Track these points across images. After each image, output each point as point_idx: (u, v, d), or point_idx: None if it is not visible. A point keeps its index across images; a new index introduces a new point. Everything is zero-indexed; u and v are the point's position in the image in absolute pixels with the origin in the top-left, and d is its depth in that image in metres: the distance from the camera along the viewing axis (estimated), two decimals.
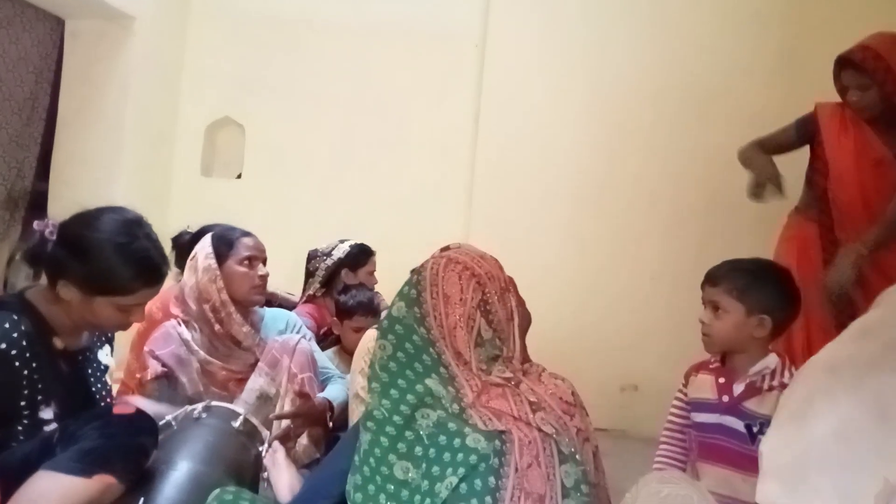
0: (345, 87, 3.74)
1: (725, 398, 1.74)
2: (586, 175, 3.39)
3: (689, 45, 3.29)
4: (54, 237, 1.51)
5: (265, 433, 1.86)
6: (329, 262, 2.87)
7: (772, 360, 1.73)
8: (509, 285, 1.54)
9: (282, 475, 1.63)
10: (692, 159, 3.10)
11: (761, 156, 2.52)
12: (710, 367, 1.85)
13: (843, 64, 2.33)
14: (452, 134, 3.59)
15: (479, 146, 3.52)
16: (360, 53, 3.72)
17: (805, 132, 2.51)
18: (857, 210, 2.35)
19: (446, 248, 1.68)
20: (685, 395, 1.87)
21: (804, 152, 2.55)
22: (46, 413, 1.50)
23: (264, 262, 2.27)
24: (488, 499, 1.28)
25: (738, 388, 1.73)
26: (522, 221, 3.43)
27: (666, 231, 3.29)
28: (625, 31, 3.36)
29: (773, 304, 1.72)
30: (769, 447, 1.16)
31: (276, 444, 1.76)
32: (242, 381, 2.16)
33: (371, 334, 2.00)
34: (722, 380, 1.78)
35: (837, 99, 2.45)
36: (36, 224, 1.52)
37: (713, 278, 1.78)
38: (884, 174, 2.31)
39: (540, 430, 1.34)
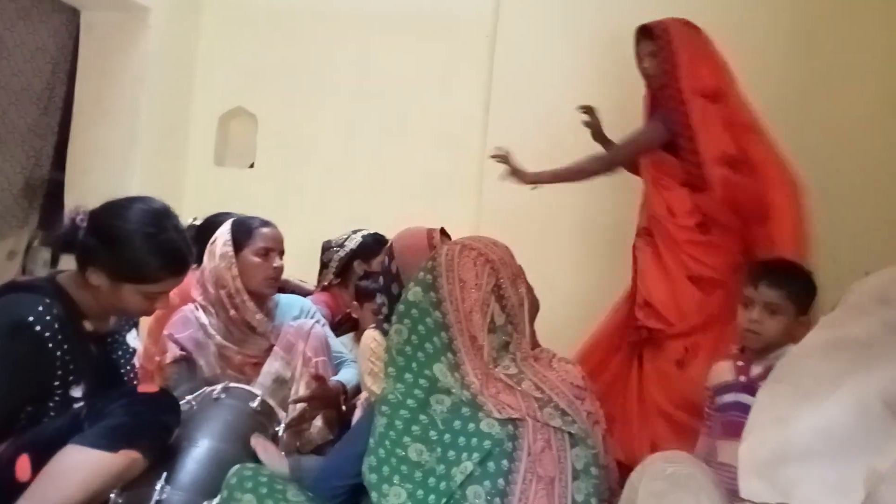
0: (356, 76, 3.77)
1: (743, 378, 1.86)
2: None
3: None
4: (85, 225, 1.56)
5: (281, 414, 1.92)
6: (342, 253, 2.91)
7: (789, 347, 1.79)
8: (520, 272, 1.59)
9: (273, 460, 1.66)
10: None
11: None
12: (731, 353, 1.96)
13: (644, 32, 2.61)
14: (463, 124, 3.62)
15: (490, 136, 3.55)
16: (372, 43, 3.75)
17: None
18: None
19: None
20: (708, 388, 1.96)
21: None
22: (76, 392, 1.56)
23: (281, 255, 2.31)
24: (501, 481, 1.32)
25: (756, 370, 1.84)
26: (533, 212, 3.45)
27: None
28: (637, 21, 3.38)
29: (809, 307, 1.86)
30: (746, 447, 1.19)
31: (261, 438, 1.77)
32: (258, 365, 2.22)
33: (370, 335, 2.04)
34: (740, 363, 1.90)
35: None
36: (67, 212, 1.58)
37: (775, 282, 1.84)
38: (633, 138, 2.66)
39: (548, 425, 1.38)
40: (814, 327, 1.32)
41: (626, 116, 3.38)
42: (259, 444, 1.67)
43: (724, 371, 1.92)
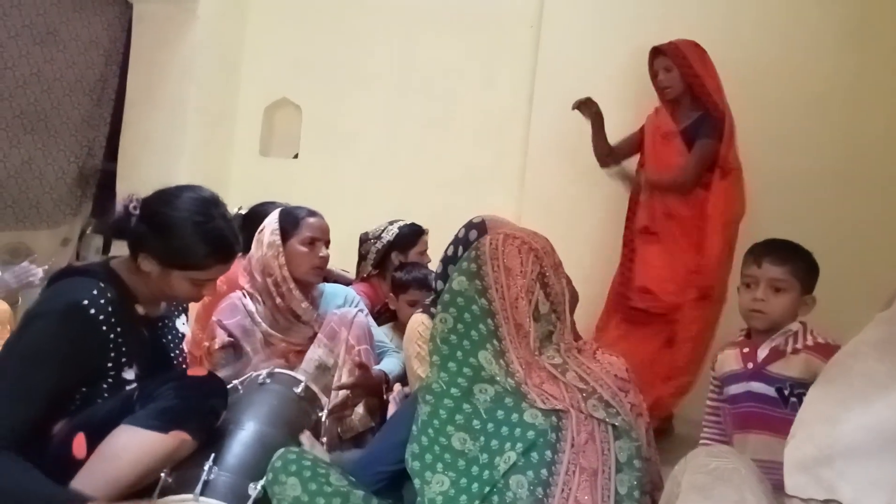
0: (399, 68, 3.79)
1: (750, 365, 1.81)
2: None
3: (747, 22, 3.22)
4: (137, 212, 1.61)
5: (325, 400, 1.94)
6: (379, 245, 2.92)
7: (794, 325, 1.80)
8: (560, 263, 1.58)
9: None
10: (749, 143, 3.04)
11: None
12: (735, 341, 1.91)
13: (654, 53, 2.98)
14: (506, 116, 3.61)
15: (533, 128, 3.53)
16: (415, 35, 3.76)
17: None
18: (654, 170, 2.97)
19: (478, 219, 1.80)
20: (714, 378, 1.93)
21: None
22: (129, 374, 1.60)
23: (327, 244, 2.34)
24: (544, 471, 1.32)
25: (763, 353, 1.79)
26: (575, 205, 3.43)
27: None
28: (682, 11, 3.31)
29: (814, 285, 1.84)
30: (793, 444, 1.17)
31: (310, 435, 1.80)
32: (301, 353, 2.26)
33: (418, 318, 2.05)
34: (746, 349, 1.84)
35: None
36: (121, 199, 1.63)
37: (779, 258, 1.81)
38: (667, 144, 2.93)
39: (591, 416, 1.38)
40: (869, 324, 1.29)
41: None
42: (307, 438, 1.70)
43: (729, 360, 1.87)
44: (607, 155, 3.08)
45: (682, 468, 1.30)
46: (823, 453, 1.12)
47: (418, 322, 2.03)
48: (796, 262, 1.81)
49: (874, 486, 1.06)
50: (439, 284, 1.94)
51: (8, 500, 1.43)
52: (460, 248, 1.90)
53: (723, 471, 1.24)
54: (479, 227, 1.90)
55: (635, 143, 3.10)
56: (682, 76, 2.89)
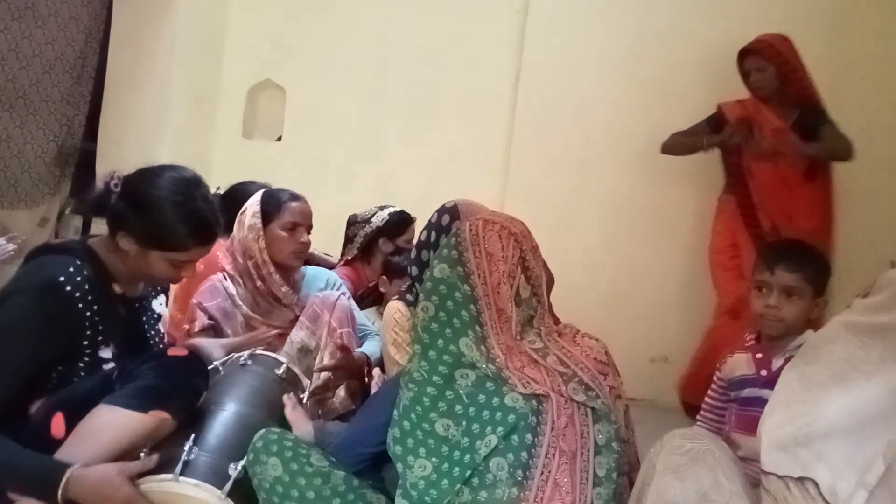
0: (384, 51, 3.77)
1: (764, 372, 1.80)
2: (627, 143, 3.39)
3: (735, 8, 3.24)
4: (118, 189, 1.59)
5: (306, 382, 1.95)
6: (368, 229, 2.91)
7: (808, 334, 1.77)
8: (538, 246, 1.59)
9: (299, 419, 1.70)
10: None
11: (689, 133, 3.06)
12: (746, 345, 1.90)
13: (745, 53, 2.93)
14: (491, 101, 3.61)
15: (518, 113, 3.54)
16: (400, 17, 3.74)
17: (715, 123, 3.04)
18: (772, 177, 2.93)
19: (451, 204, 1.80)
20: (720, 378, 1.92)
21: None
22: (106, 353, 1.60)
23: (309, 229, 2.32)
24: (524, 454, 1.34)
25: (777, 363, 1.77)
26: (560, 189, 3.45)
27: (702, 202, 3.27)
28: None
29: (825, 288, 1.83)
30: (771, 423, 1.19)
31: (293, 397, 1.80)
32: (283, 336, 2.25)
33: (393, 306, 2.05)
34: (759, 355, 1.84)
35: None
36: (102, 175, 1.61)
37: (792, 265, 1.80)
38: (783, 140, 2.88)
39: (572, 399, 1.39)
40: (845, 311, 1.32)
41: (658, 94, 3.35)
42: (289, 401, 1.70)
43: (741, 364, 1.86)
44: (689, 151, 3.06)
45: (658, 450, 1.32)
46: (802, 433, 1.14)
47: (394, 309, 2.03)
48: (809, 266, 1.81)
49: (848, 466, 1.09)
50: (413, 270, 1.95)
51: None
52: (433, 233, 1.90)
53: (697, 452, 1.26)
54: (451, 212, 1.90)
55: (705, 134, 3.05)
56: (778, 74, 2.87)
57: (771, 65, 2.87)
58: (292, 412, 1.68)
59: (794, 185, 2.89)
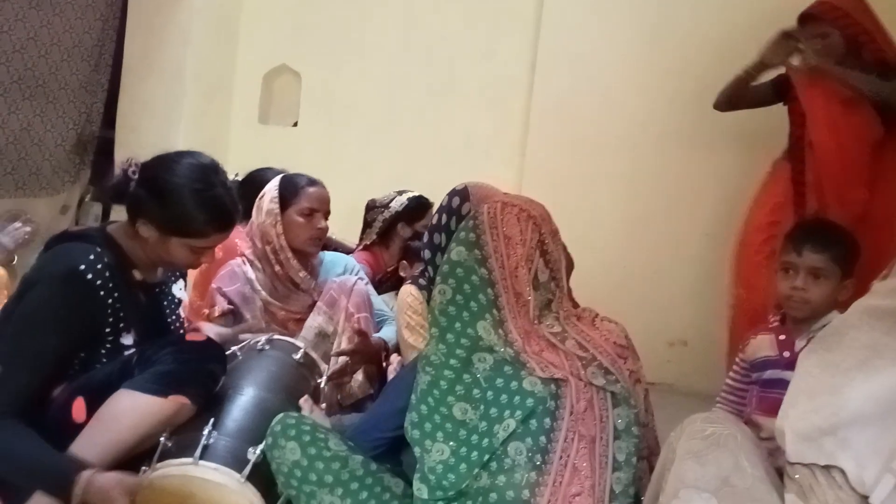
0: (400, 35, 3.74)
1: (787, 354, 1.78)
2: (644, 126, 3.34)
3: None
4: (136, 176, 1.59)
5: (324, 367, 1.95)
6: (386, 214, 2.91)
7: (833, 315, 1.75)
8: (557, 230, 1.57)
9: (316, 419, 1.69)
10: (755, 111, 3.01)
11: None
12: (770, 326, 1.89)
13: (804, 20, 2.55)
14: (508, 84, 3.57)
15: (535, 97, 3.50)
16: (416, 1, 3.71)
17: (780, 89, 2.69)
18: (831, 151, 2.51)
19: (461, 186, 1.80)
20: (742, 360, 1.91)
21: None
22: (127, 339, 1.61)
23: (326, 215, 2.32)
24: (542, 438, 1.33)
25: (801, 345, 1.75)
26: (577, 173, 3.41)
27: (724, 184, 3.23)
28: None
29: (853, 269, 1.79)
30: (797, 414, 1.18)
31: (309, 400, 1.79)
32: (301, 321, 2.26)
33: (406, 290, 2.05)
34: (782, 337, 1.82)
35: None
36: (120, 162, 1.61)
37: (819, 245, 1.77)
38: (854, 111, 2.47)
39: (591, 384, 1.38)
40: (866, 295, 1.29)
41: (679, 75, 3.30)
42: (306, 403, 1.71)
43: (764, 345, 1.85)
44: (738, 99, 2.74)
45: (678, 434, 1.30)
46: (828, 422, 1.13)
47: (407, 293, 2.04)
48: (837, 247, 1.78)
49: (874, 453, 1.08)
50: (426, 253, 1.94)
51: (10, 467, 1.44)
52: (444, 216, 1.87)
53: (718, 436, 1.24)
54: (461, 194, 1.88)
55: (767, 97, 2.72)
56: (845, 38, 2.48)
57: (835, 29, 2.48)
58: (309, 415, 1.69)
59: (855, 160, 2.50)
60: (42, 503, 1.41)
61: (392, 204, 2.91)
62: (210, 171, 1.64)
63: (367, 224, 2.99)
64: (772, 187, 2.71)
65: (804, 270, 1.77)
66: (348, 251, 2.89)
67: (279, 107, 4.04)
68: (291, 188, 2.29)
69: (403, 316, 2.03)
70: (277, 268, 2.25)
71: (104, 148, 3.82)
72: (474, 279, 1.44)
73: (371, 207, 2.98)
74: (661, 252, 3.37)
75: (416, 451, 1.38)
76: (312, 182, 2.33)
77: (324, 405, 1.85)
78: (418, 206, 2.90)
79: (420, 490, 1.33)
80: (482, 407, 1.38)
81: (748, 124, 3.02)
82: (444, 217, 1.88)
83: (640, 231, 3.38)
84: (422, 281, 1.99)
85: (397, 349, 2.24)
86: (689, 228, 3.34)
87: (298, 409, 1.66)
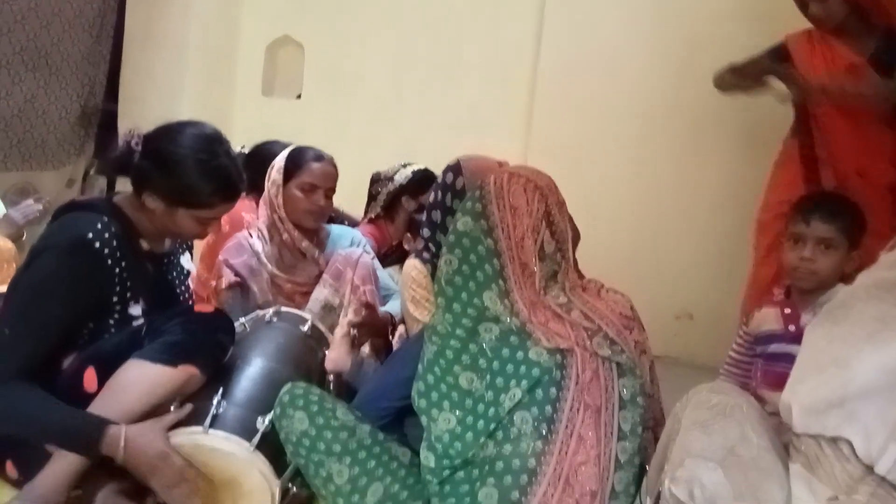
0: (404, 6, 3.69)
1: (792, 328, 1.78)
2: (652, 97, 3.30)
3: None
4: (139, 149, 1.59)
5: (331, 338, 1.96)
6: (391, 186, 2.90)
7: (838, 289, 1.74)
8: (564, 201, 1.57)
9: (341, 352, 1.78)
10: None
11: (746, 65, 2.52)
12: (774, 300, 1.88)
13: None
14: (513, 56, 3.53)
15: (541, 68, 3.46)
16: None
17: (777, 59, 2.54)
18: (837, 122, 2.42)
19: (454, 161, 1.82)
20: (746, 332, 1.90)
21: None
22: (135, 309, 1.62)
23: (328, 192, 2.28)
24: (548, 408, 1.34)
25: (807, 318, 1.75)
26: (583, 145, 3.39)
27: (730, 157, 3.20)
28: None
29: (860, 241, 1.79)
30: (806, 388, 1.18)
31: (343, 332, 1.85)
32: (307, 295, 2.26)
33: (410, 263, 2.05)
34: (788, 310, 1.82)
35: None
36: (122, 134, 1.61)
37: (828, 215, 1.77)
38: (859, 77, 2.35)
39: (596, 354, 1.39)
40: (872, 267, 1.29)
41: (688, 44, 3.25)
42: (341, 328, 1.80)
43: (769, 318, 1.85)
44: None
45: (684, 405, 1.31)
46: (836, 395, 1.13)
47: (412, 267, 2.04)
48: (845, 218, 1.78)
49: (881, 424, 1.08)
50: (425, 231, 1.95)
51: (30, 426, 1.47)
52: (439, 193, 1.90)
53: (724, 406, 1.25)
54: (454, 169, 1.90)
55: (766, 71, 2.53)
56: (847, 1, 2.33)
57: None
58: (341, 339, 1.71)
59: (871, 133, 2.38)
60: (58, 469, 1.43)
61: (396, 177, 2.89)
62: (214, 140, 1.64)
63: (372, 197, 2.97)
64: (783, 167, 2.63)
65: (812, 241, 1.76)
66: (355, 223, 2.89)
67: (282, 79, 4.01)
68: (297, 161, 2.28)
69: (408, 290, 2.04)
70: (285, 235, 2.26)
71: (107, 121, 3.81)
72: (480, 249, 1.45)
73: (375, 180, 2.96)
74: (668, 225, 3.36)
75: (423, 419, 1.39)
76: (319, 157, 2.29)
77: (331, 376, 1.85)
78: (422, 178, 2.89)
79: (427, 458, 1.35)
80: (488, 377, 1.39)
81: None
82: (439, 194, 1.90)
83: (647, 204, 3.37)
84: (425, 255, 2.00)
85: (403, 322, 2.25)
86: (697, 201, 3.32)
87: (306, 379, 1.68)
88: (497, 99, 3.57)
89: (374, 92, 3.76)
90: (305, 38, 3.86)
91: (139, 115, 3.51)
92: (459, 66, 3.62)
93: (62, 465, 1.43)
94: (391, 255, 2.77)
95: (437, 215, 1.90)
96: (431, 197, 1.95)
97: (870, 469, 1.09)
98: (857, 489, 1.10)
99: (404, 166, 2.93)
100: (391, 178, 2.89)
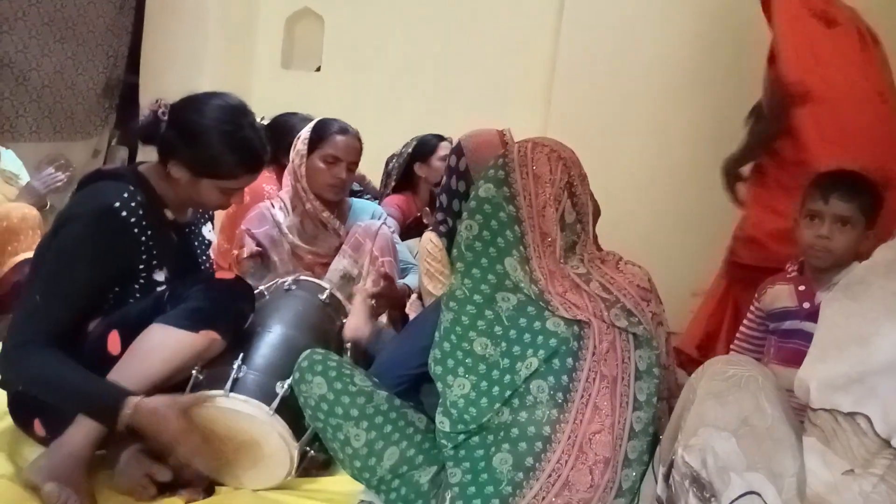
0: None
1: (807, 305, 1.78)
2: (673, 72, 3.27)
3: None
4: (166, 118, 1.61)
5: (349, 308, 1.99)
6: (401, 160, 2.93)
7: (854, 266, 1.72)
8: (586, 175, 1.57)
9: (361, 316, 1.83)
10: None
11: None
12: (788, 276, 1.87)
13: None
14: (533, 29, 3.50)
15: (562, 41, 3.43)
16: None
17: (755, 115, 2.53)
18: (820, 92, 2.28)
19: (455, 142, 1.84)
20: (759, 309, 1.90)
21: None
22: (159, 276, 1.65)
23: (351, 166, 2.30)
24: (564, 378, 1.35)
25: (822, 296, 1.74)
26: (603, 121, 3.36)
27: None
28: None
29: (876, 220, 1.77)
30: (825, 366, 1.17)
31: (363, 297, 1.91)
32: (327, 266, 2.29)
33: (427, 237, 2.06)
34: (802, 287, 1.81)
35: None
36: (149, 104, 1.62)
37: (847, 193, 1.75)
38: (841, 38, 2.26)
39: (614, 325, 1.39)
40: (890, 242, 1.27)
41: (708, 18, 3.20)
42: (361, 292, 1.86)
43: (782, 295, 1.84)
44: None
45: (700, 375, 1.32)
46: (856, 370, 1.13)
47: (427, 240, 2.06)
48: (864, 196, 1.76)
49: None
50: (439, 215, 1.97)
51: (55, 392, 1.50)
52: (445, 177, 1.95)
53: (739, 378, 1.25)
54: (455, 151, 1.95)
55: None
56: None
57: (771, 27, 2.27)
58: (360, 307, 1.76)
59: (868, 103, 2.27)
60: (83, 429, 1.46)
61: (404, 149, 2.94)
62: (239, 112, 1.65)
63: (388, 175, 3.01)
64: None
65: (830, 218, 1.75)
66: (378, 195, 2.91)
67: (302, 51, 4.00)
68: (321, 132, 2.29)
69: (424, 263, 2.06)
70: (308, 206, 2.28)
71: (127, 93, 3.83)
72: (502, 216, 1.45)
73: (389, 160, 3.01)
74: (686, 200, 3.33)
75: (439, 386, 1.41)
76: (344, 130, 2.30)
77: (349, 345, 1.87)
78: (429, 139, 2.91)
79: (442, 423, 1.37)
80: (504, 344, 1.39)
81: None
82: (446, 177, 1.95)
83: (666, 178, 3.35)
84: (442, 228, 2.01)
85: (419, 297, 2.26)
86: (717, 178, 3.28)
87: (324, 347, 1.70)
88: (517, 72, 3.55)
89: (394, 65, 3.75)
90: (325, 10, 3.85)
91: (159, 88, 3.53)
92: (479, 39, 3.60)
93: (88, 424, 1.46)
94: (416, 227, 2.80)
95: (444, 199, 1.96)
96: (443, 180, 2.00)
97: (886, 443, 1.09)
98: (873, 462, 1.10)
99: (412, 140, 2.97)
100: (400, 153, 2.94)
